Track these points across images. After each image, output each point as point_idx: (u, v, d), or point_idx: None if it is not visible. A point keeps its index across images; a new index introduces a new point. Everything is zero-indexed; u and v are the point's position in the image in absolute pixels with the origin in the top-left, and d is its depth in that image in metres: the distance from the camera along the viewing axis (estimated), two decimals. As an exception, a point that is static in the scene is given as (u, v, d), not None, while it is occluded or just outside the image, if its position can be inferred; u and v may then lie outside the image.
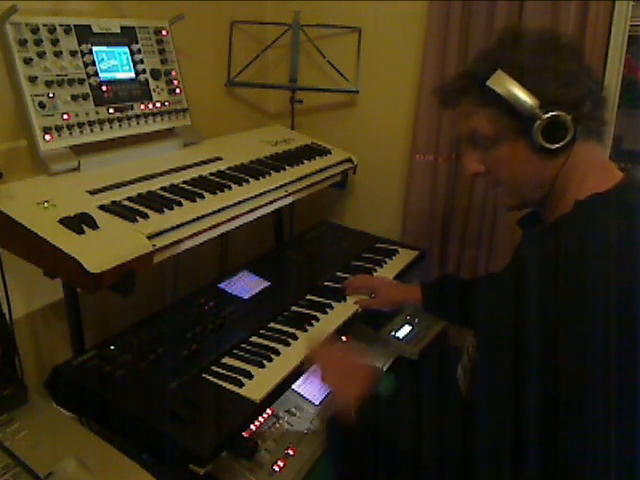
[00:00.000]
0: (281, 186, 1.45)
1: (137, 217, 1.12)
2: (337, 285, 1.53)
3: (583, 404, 0.75)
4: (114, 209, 1.14)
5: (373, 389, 1.03)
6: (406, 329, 1.63)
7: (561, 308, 0.76)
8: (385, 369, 1.47)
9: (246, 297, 1.46)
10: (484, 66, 0.90)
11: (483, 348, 0.91)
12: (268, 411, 1.26)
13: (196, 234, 1.18)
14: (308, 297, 1.47)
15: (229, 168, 1.46)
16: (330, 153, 1.76)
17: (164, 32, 1.52)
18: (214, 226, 1.23)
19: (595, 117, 0.88)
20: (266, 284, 1.53)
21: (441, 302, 1.38)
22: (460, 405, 1.01)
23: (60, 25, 1.27)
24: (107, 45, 1.37)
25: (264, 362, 1.19)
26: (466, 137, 0.96)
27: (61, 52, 1.26)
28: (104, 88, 1.35)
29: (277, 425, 1.25)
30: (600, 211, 0.83)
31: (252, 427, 1.21)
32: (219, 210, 1.25)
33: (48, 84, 1.23)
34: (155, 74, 1.48)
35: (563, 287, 0.76)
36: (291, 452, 1.19)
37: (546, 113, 0.84)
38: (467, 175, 1.01)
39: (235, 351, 1.24)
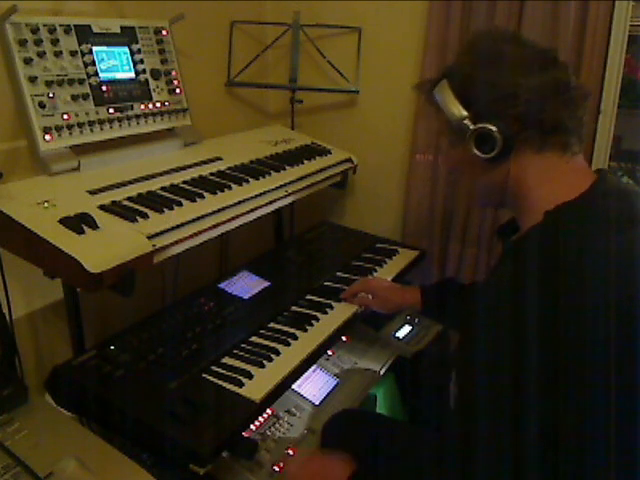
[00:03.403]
0: (281, 186, 1.45)
1: (137, 217, 1.12)
2: (337, 285, 1.52)
3: (583, 412, 0.75)
4: (114, 209, 1.14)
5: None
6: (406, 329, 1.64)
7: (538, 321, 0.75)
8: (385, 369, 1.47)
9: (246, 297, 1.46)
10: (442, 72, 0.95)
11: (475, 363, 0.89)
12: (268, 411, 1.26)
13: (196, 234, 1.18)
14: (308, 297, 1.47)
15: (229, 168, 1.46)
16: (330, 153, 1.76)
17: (164, 32, 1.52)
18: (214, 226, 1.23)
19: (546, 129, 0.87)
20: (266, 284, 1.53)
21: (440, 306, 1.38)
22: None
23: (60, 25, 1.27)
24: (107, 45, 1.37)
25: (264, 362, 1.19)
26: (437, 134, 1.02)
27: (61, 52, 1.26)
28: (104, 88, 1.35)
29: (277, 425, 1.25)
30: (569, 220, 0.82)
31: (252, 427, 1.21)
32: (219, 210, 1.25)
33: (48, 84, 1.23)
34: (155, 74, 1.48)
35: (537, 302, 0.76)
36: (291, 452, 1.19)
37: (476, 124, 0.88)
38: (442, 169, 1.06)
39: (235, 351, 1.24)
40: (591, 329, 0.74)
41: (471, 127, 0.88)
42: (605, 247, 0.77)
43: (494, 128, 0.86)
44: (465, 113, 0.89)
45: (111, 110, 1.36)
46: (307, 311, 1.40)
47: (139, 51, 1.45)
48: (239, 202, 1.31)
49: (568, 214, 0.83)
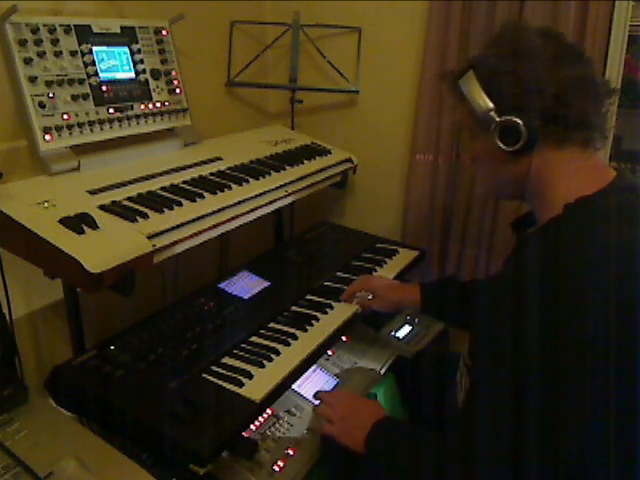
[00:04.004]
0: (281, 186, 1.45)
1: (137, 217, 1.12)
2: (337, 285, 1.52)
3: (583, 410, 0.75)
4: (114, 209, 1.14)
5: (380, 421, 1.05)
6: (406, 329, 1.63)
7: (552, 313, 0.76)
8: (385, 369, 1.47)
9: (246, 297, 1.46)
10: (467, 64, 0.95)
11: (480, 358, 0.91)
12: (268, 411, 1.26)
13: (196, 234, 1.18)
14: (308, 297, 1.47)
15: (229, 168, 1.46)
16: (330, 153, 1.76)
17: (164, 32, 1.52)
18: (214, 226, 1.23)
19: (569, 124, 0.87)
20: (266, 284, 1.53)
21: (440, 304, 1.37)
22: (457, 420, 1.01)
23: (60, 25, 1.27)
24: (107, 45, 1.37)
25: (264, 362, 1.19)
26: (457, 125, 1.01)
27: (61, 52, 1.26)
28: (104, 88, 1.35)
29: (277, 425, 1.25)
30: (589, 213, 0.83)
31: (252, 427, 1.21)
32: (219, 210, 1.25)
33: (48, 84, 1.23)
34: (155, 74, 1.48)
35: (554, 291, 0.76)
36: (291, 452, 1.19)
37: (501, 117, 0.87)
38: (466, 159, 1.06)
39: (235, 351, 1.24)
40: (591, 325, 0.74)
41: (497, 119, 0.88)
42: (617, 242, 0.77)
43: (520, 121, 0.86)
44: (491, 105, 0.88)
45: (111, 110, 1.36)
46: (307, 311, 1.40)
47: (139, 51, 1.45)
48: (239, 202, 1.31)
49: (588, 208, 0.83)
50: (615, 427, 0.74)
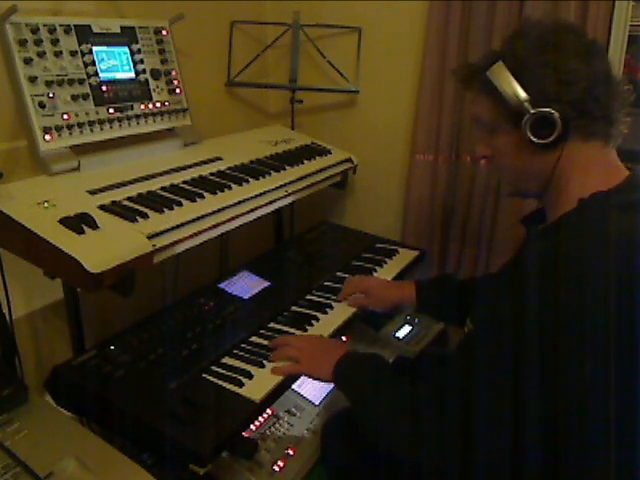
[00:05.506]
0: (281, 186, 1.45)
1: (137, 217, 1.12)
2: (337, 285, 1.52)
3: (583, 403, 0.76)
4: (114, 209, 1.14)
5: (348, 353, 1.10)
6: (406, 329, 1.64)
7: (562, 305, 0.76)
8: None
9: (246, 297, 1.46)
10: (491, 56, 0.92)
11: (482, 346, 0.91)
12: (268, 411, 1.26)
13: (196, 234, 1.18)
14: (308, 297, 1.47)
15: (229, 168, 1.47)
16: (330, 153, 1.76)
17: (164, 32, 1.52)
18: (214, 226, 1.23)
19: (596, 118, 0.87)
20: (266, 284, 1.53)
21: (437, 302, 1.37)
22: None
23: (60, 25, 1.27)
24: (107, 45, 1.37)
25: (264, 362, 1.19)
26: (474, 121, 0.99)
27: (61, 52, 1.26)
28: (104, 88, 1.35)
29: (277, 425, 1.25)
30: (603, 209, 0.83)
31: (252, 427, 1.21)
32: (219, 210, 1.25)
33: (48, 84, 1.23)
34: (155, 74, 1.48)
35: (564, 285, 0.76)
36: (291, 452, 1.19)
37: (535, 108, 0.85)
38: (477, 156, 1.04)
39: (235, 351, 1.24)
40: (591, 317, 0.74)
41: (531, 111, 0.85)
42: (623, 236, 0.78)
43: (556, 113, 0.84)
44: (526, 95, 0.86)
45: (111, 110, 1.36)
46: (307, 311, 1.40)
47: (139, 51, 1.45)
48: (239, 202, 1.31)
49: (600, 204, 0.84)
50: (615, 419, 0.74)
